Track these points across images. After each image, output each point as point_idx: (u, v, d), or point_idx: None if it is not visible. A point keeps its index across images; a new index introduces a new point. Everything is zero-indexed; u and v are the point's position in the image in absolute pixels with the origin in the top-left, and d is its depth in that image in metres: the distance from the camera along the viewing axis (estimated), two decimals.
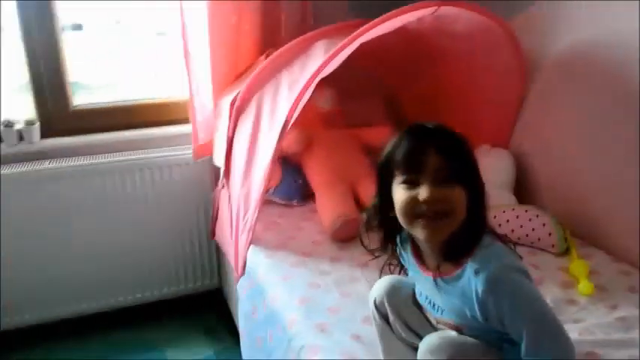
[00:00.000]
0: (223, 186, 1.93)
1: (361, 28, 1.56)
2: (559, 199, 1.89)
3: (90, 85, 2.39)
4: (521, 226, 1.77)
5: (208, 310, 2.34)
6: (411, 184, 1.03)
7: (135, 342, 2.18)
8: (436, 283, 1.08)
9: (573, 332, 1.26)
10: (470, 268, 1.02)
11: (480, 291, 0.99)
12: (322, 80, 1.90)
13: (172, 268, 2.30)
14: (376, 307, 1.23)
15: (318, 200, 1.93)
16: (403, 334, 1.21)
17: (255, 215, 1.67)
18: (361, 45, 1.63)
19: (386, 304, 1.20)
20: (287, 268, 1.64)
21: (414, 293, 1.20)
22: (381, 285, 1.23)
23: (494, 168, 1.95)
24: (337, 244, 1.77)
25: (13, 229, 2.04)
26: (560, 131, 1.89)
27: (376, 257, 1.21)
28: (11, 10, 2.00)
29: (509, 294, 0.99)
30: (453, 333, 1.09)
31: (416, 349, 1.12)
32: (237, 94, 1.87)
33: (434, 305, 1.13)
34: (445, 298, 1.09)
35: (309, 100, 1.98)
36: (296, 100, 1.60)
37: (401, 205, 1.04)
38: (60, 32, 2.08)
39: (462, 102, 2.11)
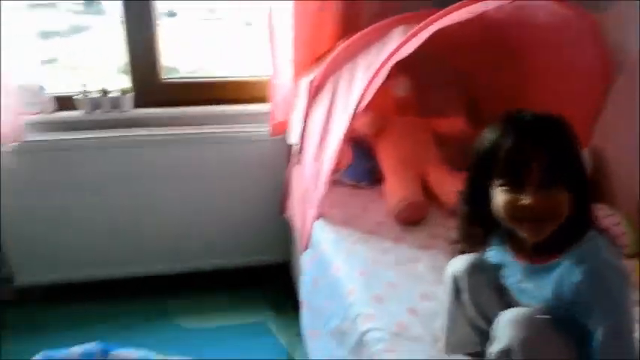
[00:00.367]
0: (297, 162, 2.01)
1: (438, 13, 1.58)
2: (634, 200, 1.84)
3: (181, 70, 2.54)
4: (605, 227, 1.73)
5: (274, 282, 2.44)
6: (514, 185, 1.02)
7: (199, 307, 2.30)
8: (529, 271, 1.09)
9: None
10: (570, 257, 1.02)
11: (577, 280, 0.99)
12: (399, 68, 1.93)
13: (243, 239, 2.41)
14: (453, 281, 1.20)
15: (385, 183, 1.97)
16: (472, 315, 1.19)
17: (324, 190, 1.74)
18: (439, 34, 1.64)
19: (466, 281, 1.18)
20: (350, 244, 1.69)
21: (495, 277, 1.18)
22: (462, 262, 1.20)
23: None
24: (400, 226, 1.80)
25: (94, 190, 2.21)
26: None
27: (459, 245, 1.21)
28: None
29: (605, 291, 0.99)
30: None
31: (481, 332, 1.14)
32: (316, 75, 1.95)
33: (523, 292, 1.12)
34: (536, 285, 1.08)
35: (385, 86, 2.02)
36: (370, 82, 1.64)
37: (502, 208, 1.03)
38: (155, 17, 2.22)
39: (540, 97, 2.07)
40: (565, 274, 1.02)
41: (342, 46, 1.93)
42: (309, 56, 2.16)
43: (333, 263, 1.62)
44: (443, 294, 1.26)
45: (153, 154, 2.22)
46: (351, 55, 1.87)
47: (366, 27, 1.91)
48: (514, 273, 1.14)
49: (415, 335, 1.28)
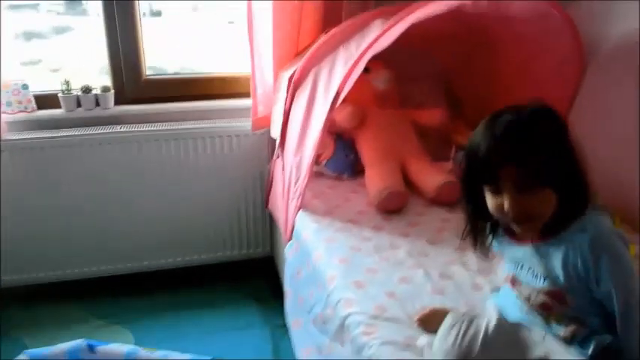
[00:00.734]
0: (278, 156, 2.03)
1: (414, 5, 1.61)
2: (610, 185, 1.87)
3: (168, 70, 2.57)
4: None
5: (258, 275, 2.46)
6: (495, 191, 1.04)
7: (185, 302, 2.32)
8: (534, 249, 1.10)
9: None
10: (572, 232, 1.04)
11: (585, 246, 1.01)
12: (379, 61, 1.97)
13: (227, 234, 2.43)
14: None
15: (367, 174, 1.99)
16: None
17: (306, 181, 1.77)
18: (418, 28, 1.67)
19: None
20: (331, 233, 1.72)
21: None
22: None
23: None
24: (381, 215, 1.83)
25: (77, 188, 2.21)
26: (614, 119, 1.87)
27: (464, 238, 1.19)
28: None
29: (612, 255, 1.01)
30: None
31: None
32: (296, 69, 1.97)
33: (536, 275, 1.12)
34: (546, 262, 1.09)
35: (366, 79, 2.06)
36: (348, 73, 1.67)
37: (490, 209, 1.06)
38: (138, 16, 2.24)
39: (516, 87, 2.11)
40: (571, 241, 1.04)
41: (321, 39, 1.96)
42: (290, 51, 2.18)
43: (314, 252, 1.64)
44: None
45: (136, 151, 2.23)
46: (330, 49, 1.90)
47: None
48: (524, 258, 1.14)
49: (393, 316, 1.30)
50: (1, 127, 2.08)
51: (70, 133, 2.16)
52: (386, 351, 1.20)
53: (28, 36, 2.39)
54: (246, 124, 2.26)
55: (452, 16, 1.78)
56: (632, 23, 1.78)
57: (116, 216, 2.29)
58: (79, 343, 1.67)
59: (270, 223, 2.43)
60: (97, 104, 2.24)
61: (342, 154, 2.12)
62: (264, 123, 2.22)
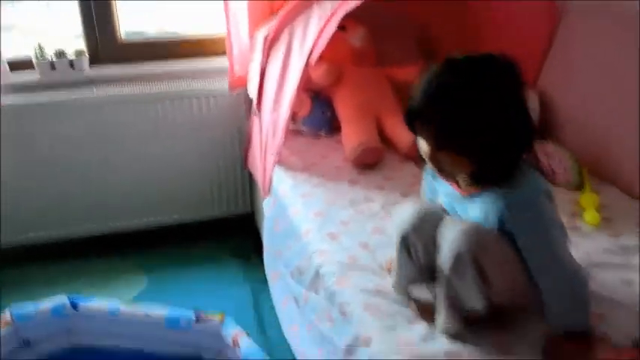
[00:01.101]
0: (255, 114, 2.05)
1: None
2: (579, 136, 1.92)
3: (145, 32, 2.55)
4: (539, 160, 1.82)
5: (239, 233, 2.51)
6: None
7: (167, 260, 2.37)
8: (458, 198, 1.17)
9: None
10: (494, 190, 1.10)
11: (502, 210, 1.07)
12: (355, 18, 1.96)
13: (207, 192, 2.46)
14: (402, 241, 1.21)
15: (343, 130, 2.02)
16: (423, 262, 1.20)
17: (283, 138, 1.79)
18: None
19: (414, 236, 1.19)
20: (308, 188, 1.76)
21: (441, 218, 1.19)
22: (408, 215, 1.21)
23: None
24: (357, 170, 1.87)
25: (57, 151, 2.22)
26: (585, 70, 1.90)
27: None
28: None
29: (530, 218, 1.07)
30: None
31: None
32: (270, 27, 1.97)
33: (456, 214, 1.20)
34: (470, 212, 1.15)
35: (342, 37, 2.06)
36: (321, 30, 1.68)
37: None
38: None
39: (491, 38, 2.13)
40: (491, 201, 1.10)
41: None
42: (265, 10, 2.17)
43: (290, 207, 1.69)
44: (391, 229, 1.32)
45: (113, 113, 2.23)
46: (305, 7, 1.90)
47: None
48: (453, 199, 1.22)
49: (364, 265, 1.35)
50: None
51: (45, 97, 2.16)
52: (357, 298, 1.25)
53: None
54: (223, 84, 2.26)
55: None
56: None
57: (94, 178, 2.30)
58: (62, 299, 1.70)
59: (249, 181, 2.46)
60: (72, 68, 2.22)
61: (319, 112, 2.14)
62: (240, 83, 2.22)
